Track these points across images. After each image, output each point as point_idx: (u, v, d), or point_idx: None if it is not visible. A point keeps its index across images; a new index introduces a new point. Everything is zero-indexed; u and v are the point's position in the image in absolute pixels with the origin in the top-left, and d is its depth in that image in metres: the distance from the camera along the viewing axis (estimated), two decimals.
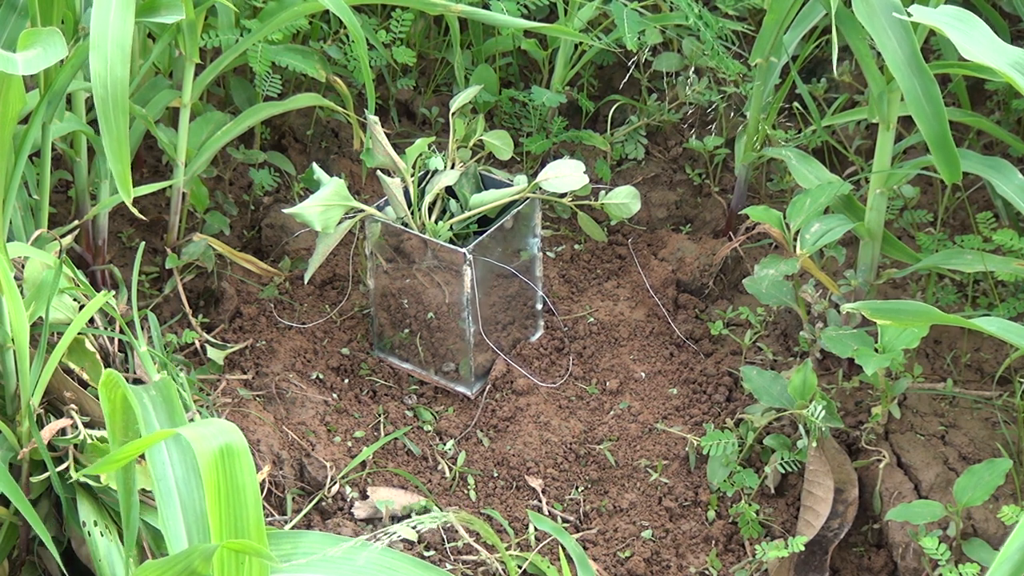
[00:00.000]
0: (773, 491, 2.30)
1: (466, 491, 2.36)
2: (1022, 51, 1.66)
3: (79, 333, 2.04)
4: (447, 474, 2.38)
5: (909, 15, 1.69)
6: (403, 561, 1.59)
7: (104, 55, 1.85)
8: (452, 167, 2.51)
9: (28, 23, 2.05)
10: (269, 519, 2.26)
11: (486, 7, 2.72)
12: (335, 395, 2.48)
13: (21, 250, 2.02)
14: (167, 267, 2.55)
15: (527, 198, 2.47)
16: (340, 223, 2.38)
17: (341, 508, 2.31)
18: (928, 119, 2.04)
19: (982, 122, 2.52)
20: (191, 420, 1.95)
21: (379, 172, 2.46)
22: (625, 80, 2.96)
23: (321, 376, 2.50)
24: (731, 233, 2.76)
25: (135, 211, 2.10)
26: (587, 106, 2.98)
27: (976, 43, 1.66)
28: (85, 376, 2.08)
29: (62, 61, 1.84)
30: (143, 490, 1.93)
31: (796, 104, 2.88)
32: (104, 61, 1.85)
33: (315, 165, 2.42)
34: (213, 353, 2.47)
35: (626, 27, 2.67)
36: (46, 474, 1.93)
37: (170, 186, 2.49)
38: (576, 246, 2.81)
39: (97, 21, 1.86)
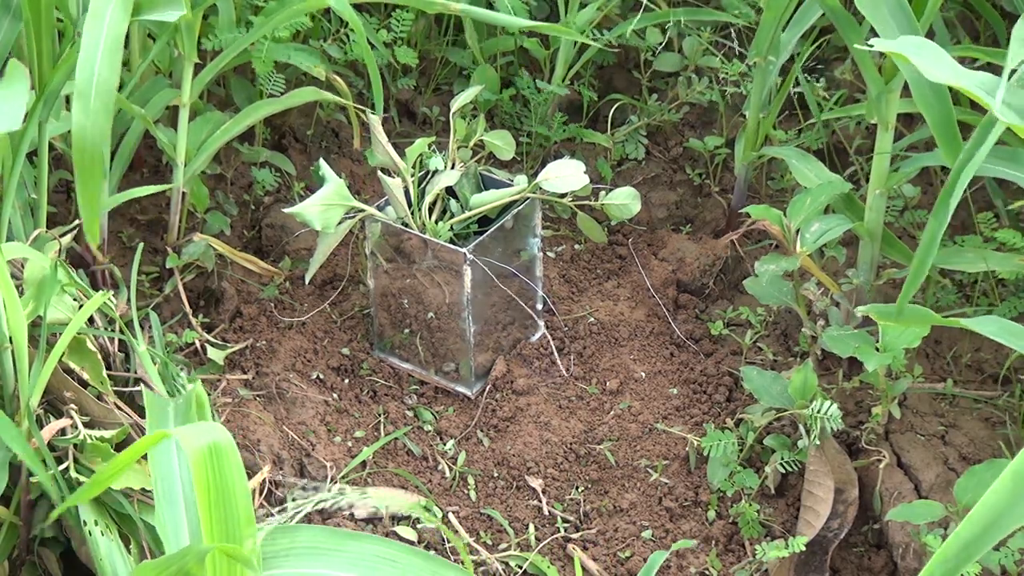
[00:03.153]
0: (773, 491, 2.30)
1: (466, 491, 2.36)
2: (985, 74, 1.69)
3: (79, 333, 2.04)
4: (447, 474, 2.38)
5: (871, 46, 1.72)
6: (402, 551, 1.58)
7: (87, 105, 1.86)
8: (452, 167, 2.51)
9: (22, 25, 2.04)
10: (270, 519, 2.25)
11: (489, 6, 2.71)
12: (335, 395, 2.48)
13: (20, 250, 2.01)
14: (167, 267, 2.54)
15: (527, 198, 2.47)
16: (340, 223, 2.38)
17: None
18: (930, 104, 2.05)
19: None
20: None
21: (379, 172, 2.46)
22: (625, 80, 2.96)
23: (321, 376, 2.50)
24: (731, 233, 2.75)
25: (99, 256, 2.19)
26: (590, 97, 2.97)
27: (940, 67, 1.69)
28: (85, 376, 2.08)
29: (59, 59, 1.84)
30: (143, 490, 1.93)
31: (796, 103, 2.88)
32: (87, 111, 1.86)
33: (322, 161, 2.41)
34: (213, 353, 2.47)
35: None
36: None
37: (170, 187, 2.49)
38: (576, 246, 2.81)
39: (83, 68, 1.86)
